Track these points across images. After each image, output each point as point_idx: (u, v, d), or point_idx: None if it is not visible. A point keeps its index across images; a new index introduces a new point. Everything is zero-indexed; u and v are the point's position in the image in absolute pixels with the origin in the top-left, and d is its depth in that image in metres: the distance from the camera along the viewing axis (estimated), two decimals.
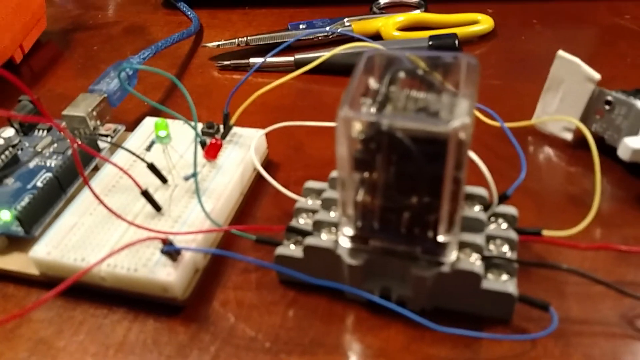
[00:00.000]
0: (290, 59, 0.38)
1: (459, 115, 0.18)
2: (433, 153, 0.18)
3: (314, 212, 0.24)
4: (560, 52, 0.29)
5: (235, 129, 0.30)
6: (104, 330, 0.23)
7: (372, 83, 0.20)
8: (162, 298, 0.23)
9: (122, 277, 0.23)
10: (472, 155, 0.24)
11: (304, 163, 0.30)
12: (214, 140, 0.26)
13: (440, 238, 0.21)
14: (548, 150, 0.30)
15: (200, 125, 0.29)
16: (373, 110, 0.19)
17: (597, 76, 0.28)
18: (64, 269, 0.24)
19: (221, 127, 0.29)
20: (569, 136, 0.29)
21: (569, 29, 0.40)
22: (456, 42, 0.35)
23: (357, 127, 0.19)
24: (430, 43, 0.36)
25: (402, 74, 0.20)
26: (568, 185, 0.28)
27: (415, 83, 0.20)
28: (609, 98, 0.28)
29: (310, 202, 0.25)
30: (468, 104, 0.19)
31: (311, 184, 0.26)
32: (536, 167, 0.29)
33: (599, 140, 0.29)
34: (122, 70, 0.29)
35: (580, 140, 0.30)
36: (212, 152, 0.26)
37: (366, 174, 0.20)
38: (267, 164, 0.30)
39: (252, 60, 0.38)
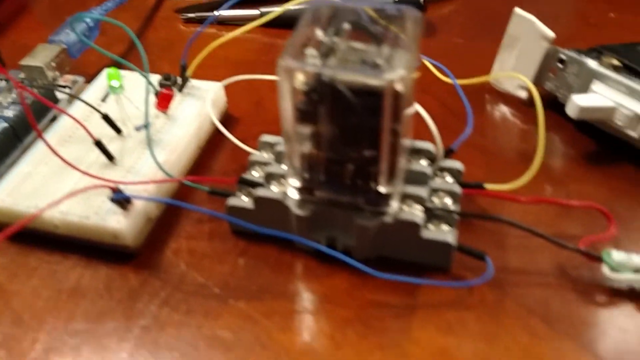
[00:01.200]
0: (256, 11, 0.37)
1: (396, 68, 0.18)
2: (372, 105, 0.19)
3: (267, 164, 0.25)
4: (517, 10, 0.29)
5: (194, 82, 0.30)
6: (57, 276, 0.24)
7: (319, 34, 0.21)
8: (114, 245, 0.24)
9: (74, 224, 0.23)
10: (421, 110, 0.24)
11: (264, 118, 0.31)
12: (165, 91, 0.26)
13: (382, 189, 0.21)
14: (503, 108, 0.30)
15: (158, 77, 0.29)
16: (316, 61, 0.20)
17: (551, 34, 0.28)
18: (17, 216, 0.24)
19: (179, 79, 0.29)
20: (523, 94, 0.30)
21: None
22: None
23: (300, 78, 0.19)
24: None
25: (346, 26, 0.20)
26: (519, 142, 0.28)
27: (361, 35, 0.20)
28: (562, 56, 0.28)
29: (265, 155, 0.26)
30: (407, 57, 0.19)
31: (266, 137, 0.26)
32: (490, 124, 0.30)
33: (553, 98, 0.29)
34: (75, 22, 0.29)
35: (531, 98, 0.30)
36: (163, 102, 0.26)
37: (311, 126, 0.20)
38: (227, 117, 0.30)
39: (217, 12, 0.38)
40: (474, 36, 0.36)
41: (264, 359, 0.20)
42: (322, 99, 0.19)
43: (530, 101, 0.30)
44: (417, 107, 0.24)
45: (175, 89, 0.29)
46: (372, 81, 0.18)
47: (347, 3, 0.21)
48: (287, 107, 0.20)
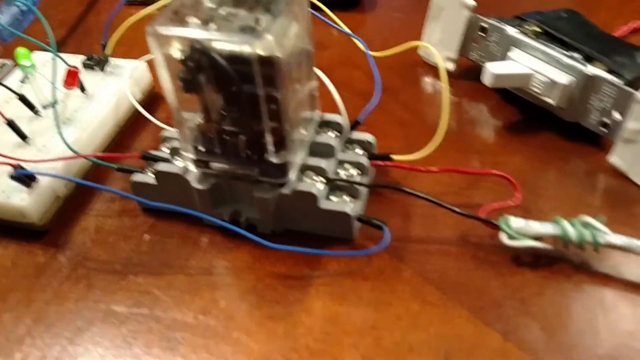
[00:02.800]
0: None
1: (267, 33, 0.18)
2: (246, 71, 0.19)
3: (174, 140, 0.25)
4: None
5: (117, 61, 0.29)
6: None
7: (204, 1, 0.20)
8: (22, 223, 0.24)
9: None
10: (326, 81, 0.24)
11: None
12: (70, 68, 0.25)
13: (273, 159, 0.21)
14: (431, 81, 0.30)
15: (82, 57, 0.29)
16: (198, 28, 0.19)
17: (472, 2, 0.27)
18: None
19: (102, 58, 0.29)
20: (451, 66, 0.29)
21: None
22: None
23: (176, 45, 0.19)
24: None
25: None
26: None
27: (247, 1, 0.20)
28: (484, 24, 0.27)
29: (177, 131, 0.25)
30: (280, 22, 0.19)
31: (183, 114, 0.26)
32: (417, 97, 0.29)
33: (477, 67, 0.29)
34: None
35: (463, 70, 0.30)
36: (69, 80, 0.26)
37: (197, 96, 0.20)
38: (152, 95, 0.30)
39: None
40: (412, 9, 0.35)
41: (154, 333, 0.20)
42: (199, 67, 0.19)
43: (457, 72, 0.30)
44: (323, 78, 0.24)
45: (97, 69, 0.29)
46: (240, 47, 0.18)
47: None
48: (164, 76, 0.20)
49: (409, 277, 0.21)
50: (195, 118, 0.21)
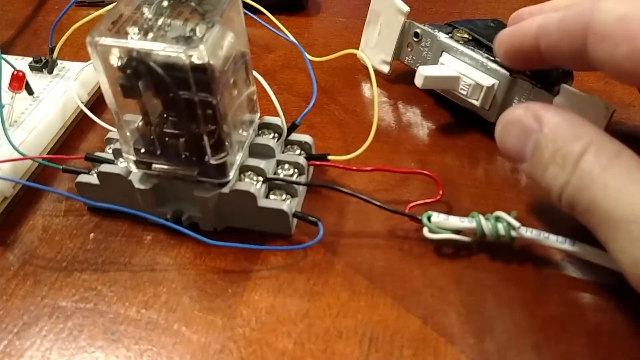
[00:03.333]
0: None
1: (201, 42, 0.19)
2: (181, 78, 0.20)
3: (117, 141, 0.25)
4: None
5: (66, 63, 0.30)
6: None
7: (144, 11, 0.21)
8: None
9: None
10: (266, 86, 0.25)
11: None
12: (15, 72, 0.26)
13: (212, 161, 0.22)
14: (367, 84, 0.31)
15: (29, 60, 0.30)
16: (136, 38, 0.20)
17: (406, 8, 0.29)
18: None
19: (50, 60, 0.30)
20: (386, 69, 0.31)
21: None
22: None
23: (115, 54, 0.20)
24: None
25: (165, 3, 0.21)
26: (381, 117, 0.30)
27: (183, 11, 0.21)
28: (417, 30, 0.29)
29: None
30: (214, 31, 0.20)
31: (127, 116, 0.27)
32: (354, 99, 0.31)
33: (412, 72, 0.31)
34: None
35: (399, 75, 0.31)
36: (15, 84, 0.26)
37: (136, 100, 0.21)
38: (99, 96, 0.31)
39: None
40: (353, 15, 0.37)
41: (99, 326, 0.21)
42: (137, 74, 0.20)
43: (393, 77, 0.31)
44: (262, 82, 0.25)
45: (45, 71, 0.29)
46: (174, 53, 0.19)
47: None
48: (104, 82, 0.21)
49: (341, 269, 0.23)
50: (135, 120, 0.22)
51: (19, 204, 0.26)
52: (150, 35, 0.20)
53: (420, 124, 0.29)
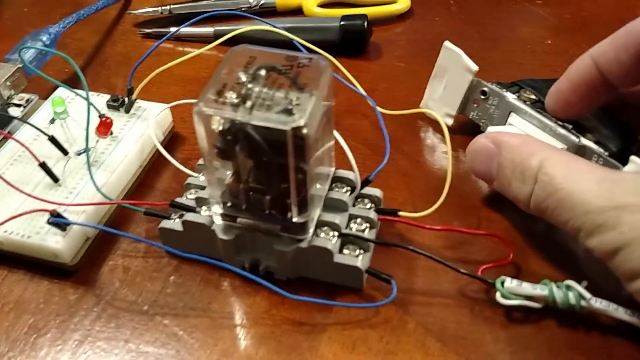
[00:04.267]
0: (211, 30, 0.39)
1: (300, 114, 0.20)
2: (279, 147, 0.21)
3: (202, 188, 0.27)
4: (446, 43, 0.31)
5: (141, 102, 0.31)
6: (1, 289, 0.25)
7: (240, 77, 0.22)
8: (54, 263, 0.25)
9: (17, 242, 0.25)
10: (342, 143, 0.26)
11: None
12: (104, 119, 0.27)
13: (295, 219, 0.23)
14: (431, 135, 0.32)
15: (106, 98, 0.31)
16: (232, 106, 0.21)
17: (474, 67, 0.30)
18: None
19: (127, 99, 0.31)
20: (449, 122, 0.32)
21: (482, 11, 0.42)
22: (365, 23, 0.37)
23: (217, 120, 0.21)
24: (341, 23, 0.37)
25: (262, 72, 0.22)
26: (442, 168, 0.30)
27: (278, 79, 0.22)
28: (485, 89, 0.30)
29: (202, 179, 0.27)
30: (313, 103, 0.21)
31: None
32: (418, 150, 0.31)
33: (477, 127, 0.31)
34: (20, 51, 0.31)
35: (460, 125, 0.32)
36: (102, 129, 0.27)
37: (229, 161, 0.22)
38: (173, 137, 0.32)
39: (172, 29, 0.40)
40: (414, 60, 0.38)
41: None
42: (235, 139, 0.21)
43: (456, 128, 0.32)
44: (340, 140, 0.26)
45: (122, 110, 0.31)
46: (277, 127, 0.20)
47: (265, 49, 0.23)
48: (203, 145, 0.22)
49: (413, 328, 0.23)
50: (224, 176, 0.23)
51: (98, 243, 0.27)
52: (249, 103, 0.21)
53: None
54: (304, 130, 0.20)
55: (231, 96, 0.21)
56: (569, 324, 0.23)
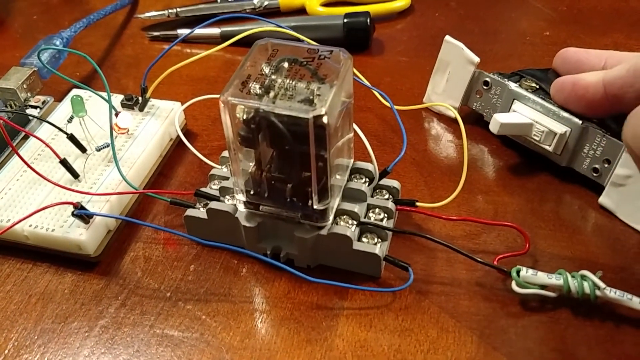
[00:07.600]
0: (217, 31, 0.40)
1: (321, 104, 0.21)
2: (300, 135, 0.22)
3: (225, 178, 0.28)
4: (447, 38, 0.32)
5: (154, 101, 0.32)
6: (28, 282, 0.26)
7: (264, 69, 0.23)
8: (78, 254, 0.26)
9: (42, 236, 0.26)
10: (361, 135, 0.27)
11: (221, 134, 0.33)
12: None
13: (316, 206, 0.24)
14: (436, 126, 0.33)
15: (120, 97, 0.32)
16: (256, 96, 0.22)
17: (476, 59, 0.31)
18: None
19: (141, 99, 0.32)
20: (453, 114, 0.33)
21: (481, 5, 0.43)
22: (368, 19, 0.38)
23: (241, 108, 0.22)
24: (345, 20, 0.38)
25: (285, 64, 0.23)
26: (451, 157, 0.31)
27: (299, 70, 0.23)
28: (487, 79, 0.31)
29: (225, 170, 0.28)
30: (332, 93, 0.22)
31: (227, 153, 0.29)
32: (426, 141, 0.32)
33: (480, 116, 0.32)
34: (39, 52, 0.32)
35: (466, 116, 0.33)
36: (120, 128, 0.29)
37: (252, 150, 0.23)
38: (185, 133, 0.33)
39: (179, 31, 0.41)
40: (416, 54, 0.39)
41: (207, 354, 0.23)
42: (259, 128, 0.22)
43: (462, 119, 0.33)
44: (359, 132, 0.27)
45: (136, 108, 0.32)
46: (299, 115, 0.21)
47: (288, 43, 0.24)
48: (229, 134, 0.23)
49: (428, 309, 0.24)
50: (247, 166, 0.24)
51: (120, 235, 0.28)
52: (272, 93, 0.22)
53: (489, 164, 0.31)
54: (324, 119, 0.21)
55: (255, 87, 0.22)
56: (583, 314, 0.24)
